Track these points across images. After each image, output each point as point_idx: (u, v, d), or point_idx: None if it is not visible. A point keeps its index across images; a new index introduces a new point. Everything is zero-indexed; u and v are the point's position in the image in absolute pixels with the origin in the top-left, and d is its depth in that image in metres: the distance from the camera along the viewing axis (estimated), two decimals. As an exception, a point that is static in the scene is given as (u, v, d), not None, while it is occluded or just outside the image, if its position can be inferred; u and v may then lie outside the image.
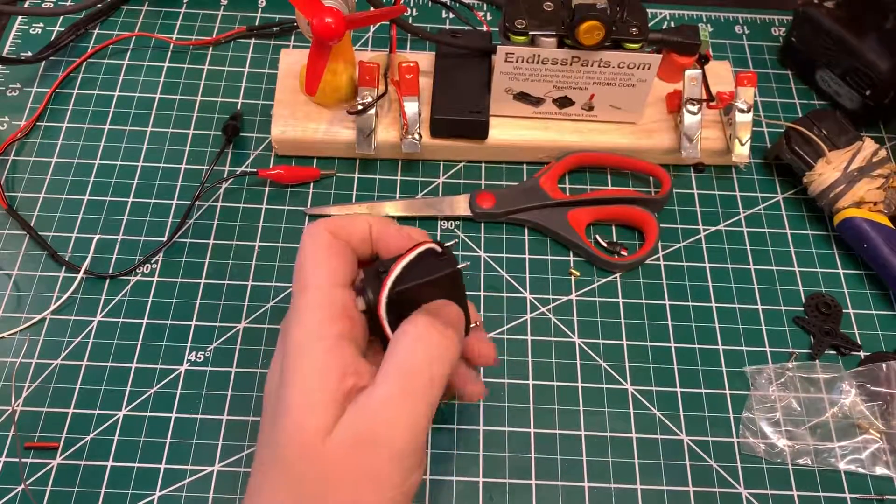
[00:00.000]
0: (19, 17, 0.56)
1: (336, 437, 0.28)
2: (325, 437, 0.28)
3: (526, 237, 0.48)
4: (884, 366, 0.43)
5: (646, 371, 0.44)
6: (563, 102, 0.49)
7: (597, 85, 0.47)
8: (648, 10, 0.45)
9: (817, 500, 0.40)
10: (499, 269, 0.47)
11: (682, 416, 0.42)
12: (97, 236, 0.47)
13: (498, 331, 0.44)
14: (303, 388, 0.29)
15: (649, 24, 0.45)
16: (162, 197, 0.48)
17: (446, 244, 0.32)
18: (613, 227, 0.49)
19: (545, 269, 0.47)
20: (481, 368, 0.35)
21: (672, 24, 0.59)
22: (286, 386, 0.29)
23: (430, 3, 0.59)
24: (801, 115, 0.51)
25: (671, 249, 0.48)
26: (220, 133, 0.51)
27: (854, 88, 0.52)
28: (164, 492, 0.39)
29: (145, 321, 0.44)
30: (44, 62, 0.54)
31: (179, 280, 0.45)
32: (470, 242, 0.48)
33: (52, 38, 0.54)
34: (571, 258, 0.47)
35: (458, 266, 0.32)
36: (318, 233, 0.32)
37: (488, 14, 0.59)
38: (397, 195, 0.49)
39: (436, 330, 0.30)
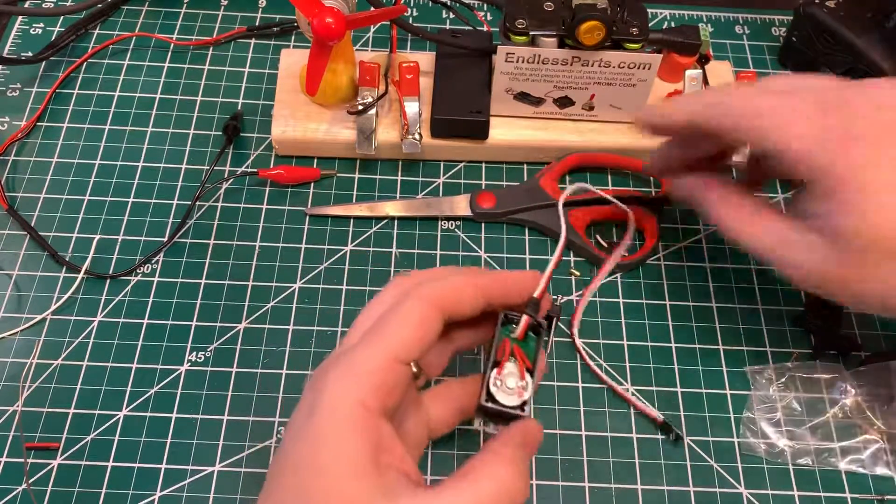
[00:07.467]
0: (19, 18, 0.56)
1: None
2: None
3: (526, 237, 0.48)
4: (884, 366, 0.43)
5: (646, 371, 0.43)
6: (564, 102, 0.49)
7: (597, 85, 0.47)
8: (649, 10, 0.46)
9: (818, 500, 0.40)
10: (499, 269, 0.47)
11: (682, 417, 0.42)
12: (97, 236, 0.47)
13: (498, 331, 0.44)
14: (337, 449, 0.28)
15: (650, 24, 0.45)
16: (162, 197, 0.48)
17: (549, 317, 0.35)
18: (614, 228, 0.49)
19: (545, 269, 0.47)
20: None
21: (672, 24, 0.59)
22: (315, 442, 0.28)
23: (430, 3, 0.59)
24: (801, 115, 0.51)
25: (671, 249, 0.48)
26: (220, 133, 0.51)
27: (854, 88, 0.52)
28: (164, 492, 0.39)
29: (146, 321, 0.44)
30: (44, 62, 0.54)
31: (180, 280, 0.45)
32: (470, 242, 0.48)
33: (53, 38, 0.54)
34: (572, 258, 0.47)
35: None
36: (425, 301, 0.30)
37: (489, 14, 0.58)
38: (398, 195, 0.49)
39: (521, 480, 0.29)
